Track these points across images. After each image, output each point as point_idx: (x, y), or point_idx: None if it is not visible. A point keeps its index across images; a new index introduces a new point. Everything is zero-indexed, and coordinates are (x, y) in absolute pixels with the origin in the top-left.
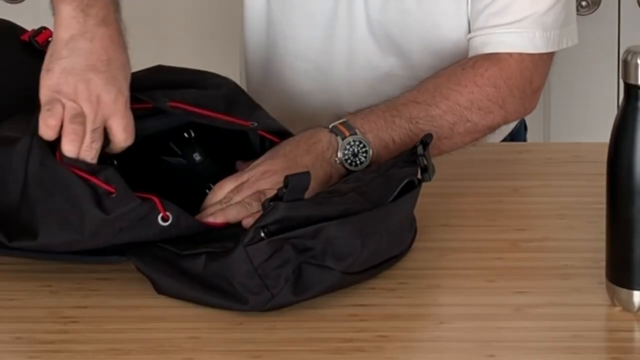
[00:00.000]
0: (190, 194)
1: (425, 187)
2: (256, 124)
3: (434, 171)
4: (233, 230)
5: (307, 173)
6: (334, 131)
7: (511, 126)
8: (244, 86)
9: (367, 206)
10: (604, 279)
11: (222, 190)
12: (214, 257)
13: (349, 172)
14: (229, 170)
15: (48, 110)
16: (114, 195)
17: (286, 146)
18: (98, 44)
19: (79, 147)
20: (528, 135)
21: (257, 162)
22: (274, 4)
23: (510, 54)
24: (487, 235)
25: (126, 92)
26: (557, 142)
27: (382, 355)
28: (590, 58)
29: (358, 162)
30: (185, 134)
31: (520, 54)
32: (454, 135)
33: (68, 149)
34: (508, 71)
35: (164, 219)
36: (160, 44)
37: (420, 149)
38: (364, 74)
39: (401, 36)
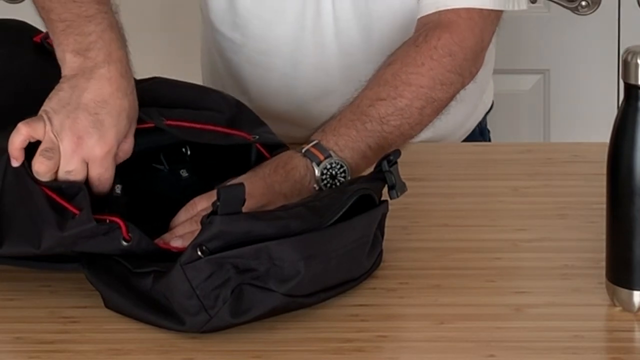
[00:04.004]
0: (173, 205)
1: (425, 187)
2: (258, 137)
3: (404, 188)
4: None
5: (241, 184)
6: (308, 156)
7: (479, 117)
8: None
9: (310, 222)
10: (604, 279)
11: (195, 208)
12: (159, 276)
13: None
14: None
15: (31, 120)
16: (77, 216)
17: (265, 169)
18: (95, 84)
19: (45, 177)
20: (528, 135)
21: (233, 181)
22: (240, 6)
23: (458, 13)
24: (487, 235)
25: (110, 141)
26: (557, 142)
27: (382, 355)
28: (590, 58)
29: (338, 183)
30: (183, 149)
31: (467, 10)
32: (424, 119)
33: (35, 171)
34: (459, 33)
35: (126, 240)
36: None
37: (385, 165)
38: (337, 62)
39: (367, 21)
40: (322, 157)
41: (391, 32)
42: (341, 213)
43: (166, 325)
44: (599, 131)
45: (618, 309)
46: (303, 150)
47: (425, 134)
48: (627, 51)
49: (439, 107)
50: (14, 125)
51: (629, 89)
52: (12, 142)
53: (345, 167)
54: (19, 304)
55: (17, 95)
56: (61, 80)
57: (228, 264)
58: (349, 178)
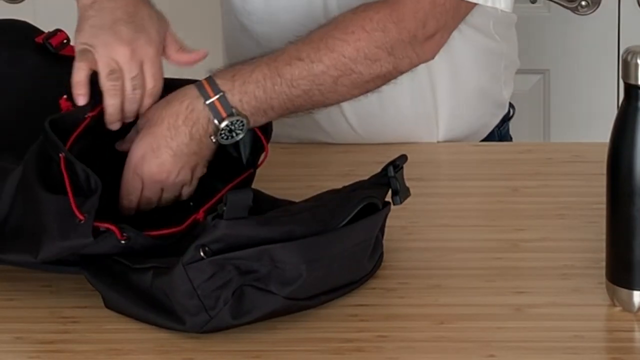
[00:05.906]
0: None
1: (425, 187)
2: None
3: (407, 193)
4: (187, 244)
5: (249, 190)
6: (211, 110)
7: (495, 120)
8: None
9: (315, 228)
10: (604, 279)
11: (130, 161)
12: (159, 273)
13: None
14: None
15: (80, 57)
16: (78, 226)
17: (165, 132)
18: (120, 1)
19: (120, 100)
20: (528, 135)
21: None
22: None
23: None
24: (487, 235)
25: (156, 38)
26: (557, 142)
27: (382, 355)
28: (590, 58)
29: (234, 135)
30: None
31: None
32: (339, 88)
33: (110, 103)
34: (400, 12)
35: (121, 240)
36: None
37: (390, 171)
38: None
39: None
40: (224, 115)
41: None
42: (347, 221)
43: (166, 324)
44: (599, 131)
45: (618, 309)
46: (207, 102)
47: (440, 136)
48: (627, 51)
49: (359, 81)
50: (17, 134)
51: (629, 89)
52: (77, 79)
53: (244, 124)
54: (19, 304)
55: (19, 98)
56: (81, 8)
57: (230, 265)
58: (245, 129)
